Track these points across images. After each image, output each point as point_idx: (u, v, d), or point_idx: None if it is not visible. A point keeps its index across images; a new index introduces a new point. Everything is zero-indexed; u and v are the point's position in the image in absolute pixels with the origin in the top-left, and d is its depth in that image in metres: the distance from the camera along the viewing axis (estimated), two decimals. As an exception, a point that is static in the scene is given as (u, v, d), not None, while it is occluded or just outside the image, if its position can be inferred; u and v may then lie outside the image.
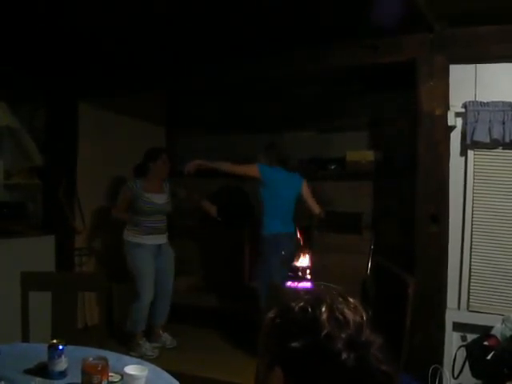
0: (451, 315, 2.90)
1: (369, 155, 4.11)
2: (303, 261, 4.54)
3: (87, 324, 4.01)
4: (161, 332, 3.76)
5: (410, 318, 2.18)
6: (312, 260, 4.42)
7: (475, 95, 2.86)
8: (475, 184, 2.90)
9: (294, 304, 0.85)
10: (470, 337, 2.73)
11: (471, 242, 2.90)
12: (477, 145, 2.85)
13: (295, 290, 3.09)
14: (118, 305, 4.10)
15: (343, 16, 2.77)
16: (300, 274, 4.45)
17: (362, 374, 0.78)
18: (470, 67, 2.89)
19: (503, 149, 2.84)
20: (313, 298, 0.86)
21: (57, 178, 3.87)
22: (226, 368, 3.28)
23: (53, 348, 1.57)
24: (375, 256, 3.73)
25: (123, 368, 1.53)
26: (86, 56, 3.54)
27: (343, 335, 0.78)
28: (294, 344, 0.80)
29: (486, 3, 2.53)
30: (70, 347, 1.61)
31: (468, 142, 2.84)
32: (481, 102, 2.81)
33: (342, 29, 2.83)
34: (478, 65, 2.88)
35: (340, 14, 2.76)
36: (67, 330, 2.20)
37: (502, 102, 2.76)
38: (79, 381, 1.49)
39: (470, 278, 2.91)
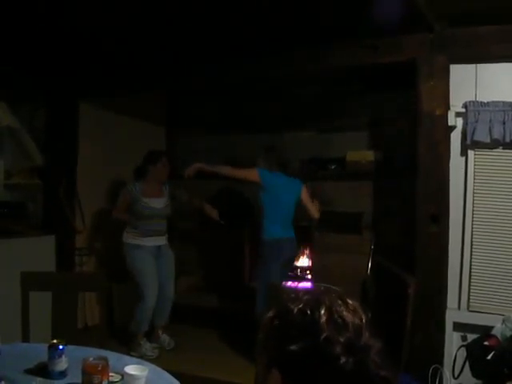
0: (451, 315, 2.90)
1: (369, 155, 4.11)
2: (303, 261, 4.54)
3: (87, 324, 4.02)
4: (160, 333, 3.76)
5: (410, 318, 2.18)
6: (312, 260, 4.42)
7: (475, 95, 2.86)
8: (475, 184, 2.90)
9: (292, 306, 0.84)
10: (471, 337, 2.73)
11: (471, 242, 2.90)
12: (477, 145, 2.85)
13: (295, 290, 3.09)
14: (118, 305, 4.10)
15: (343, 16, 2.77)
16: (300, 273, 4.45)
17: (360, 378, 0.77)
18: (470, 67, 2.89)
19: (503, 149, 2.83)
20: (312, 300, 0.85)
21: (57, 178, 3.86)
22: (226, 368, 3.28)
23: (53, 348, 1.57)
24: (375, 256, 3.73)
25: (123, 368, 1.53)
26: (86, 56, 3.53)
27: (342, 339, 0.78)
28: (293, 347, 0.79)
29: (486, 3, 2.53)
30: (70, 347, 1.61)
31: (468, 142, 2.84)
32: (481, 102, 2.81)
33: (342, 29, 2.83)
34: (478, 65, 2.88)
35: (340, 14, 2.76)
36: (67, 330, 2.20)
37: (503, 102, 2.76)
38: (79, 381, 1.49)
39: (470, 278, 2.91)
